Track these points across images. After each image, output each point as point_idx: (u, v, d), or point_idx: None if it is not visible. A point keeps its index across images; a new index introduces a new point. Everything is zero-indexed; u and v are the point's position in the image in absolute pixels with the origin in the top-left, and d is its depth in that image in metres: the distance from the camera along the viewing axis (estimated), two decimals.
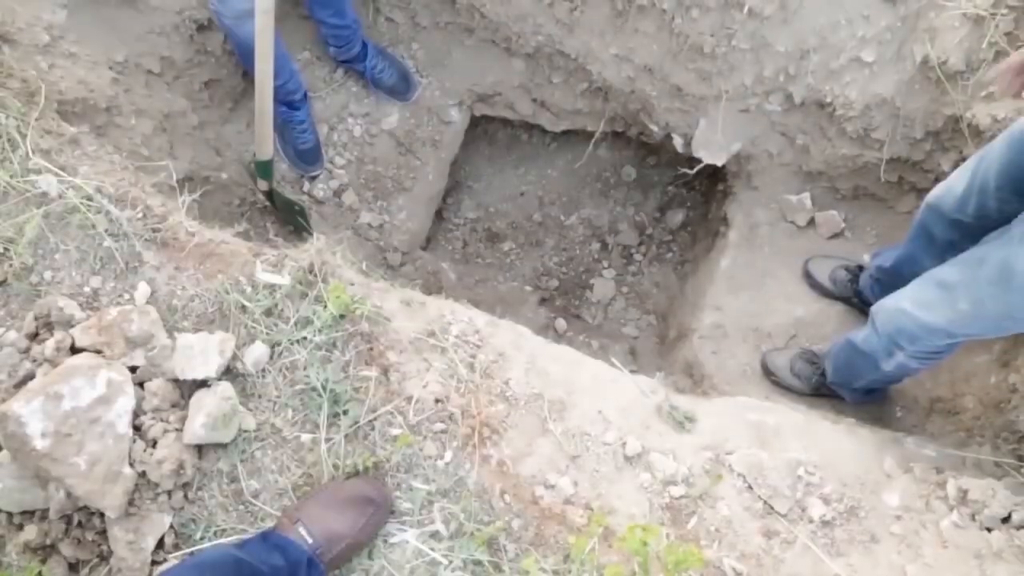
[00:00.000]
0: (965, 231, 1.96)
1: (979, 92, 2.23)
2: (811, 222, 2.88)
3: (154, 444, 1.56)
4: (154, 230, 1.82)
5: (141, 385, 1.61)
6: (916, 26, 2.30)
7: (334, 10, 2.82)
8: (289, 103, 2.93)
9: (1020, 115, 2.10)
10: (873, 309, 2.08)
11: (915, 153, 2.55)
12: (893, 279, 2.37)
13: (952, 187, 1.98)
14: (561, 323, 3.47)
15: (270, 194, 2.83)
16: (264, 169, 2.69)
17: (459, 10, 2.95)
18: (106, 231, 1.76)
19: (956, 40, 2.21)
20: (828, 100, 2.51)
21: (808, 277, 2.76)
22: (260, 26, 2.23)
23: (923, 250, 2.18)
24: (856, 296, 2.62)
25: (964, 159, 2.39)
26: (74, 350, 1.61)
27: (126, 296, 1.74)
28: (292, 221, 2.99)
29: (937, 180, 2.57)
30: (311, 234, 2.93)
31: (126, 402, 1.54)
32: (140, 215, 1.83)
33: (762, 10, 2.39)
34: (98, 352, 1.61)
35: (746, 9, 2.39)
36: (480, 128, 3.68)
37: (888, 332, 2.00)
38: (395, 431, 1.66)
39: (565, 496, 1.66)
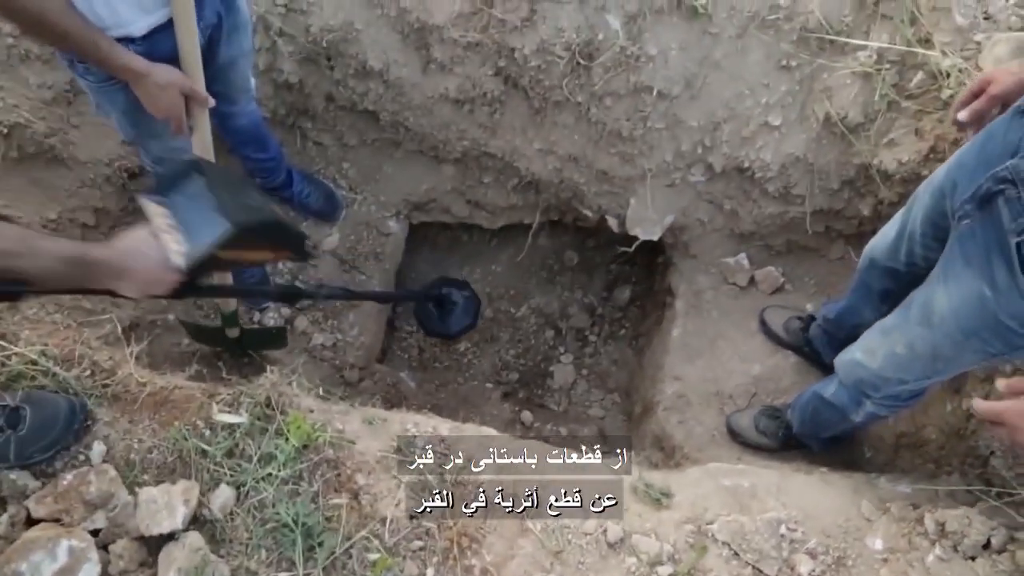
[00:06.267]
0: (899, 279, 2.03)
1: (881, 140, 2.37)
2: (752, 280, 2.97)
3: None
4: (104, 385, 1.80)
5: (105, 548, 1.55)
6: (813, 87, 2.46)
7: (256, 145, 2.85)
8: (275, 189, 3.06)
9: (921, 156, 2.24)
10: (835, 362, 2.13)
11: (835, 203, 2.67)
12: (837, 329, 2.44)
13: (885, 235, 2.06)
14: (527, 415, 3.46)
15: (239, 339, 2.80)
16: (230, 319, 2.67)
17: (384, 126, 3.04)
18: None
19: (851, 96, 2.36)
20: (746, 165, 2.63)
21: (763, 325, 2.83)
22: None
23: (863, 300, 2.26)
24: (807, 345, 2.68)
25: (881, 202, 2.52)
26: (30, 522, 1.56)
27: (81, 457, 1.70)
28: (270, 347, 2.97)
29: (860, 225, 2.70)
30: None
31: (91, 569, 1.48)
32: (88, 372, 1.81)
33: (670, 91, 2.52)
34: (56, 520, 1.55)
35: (655, 92, 2.51)
36: (420, 234, 3.74)
37: (851, 383, 2.05)
38: (373, 556, 1.62)
39: None
